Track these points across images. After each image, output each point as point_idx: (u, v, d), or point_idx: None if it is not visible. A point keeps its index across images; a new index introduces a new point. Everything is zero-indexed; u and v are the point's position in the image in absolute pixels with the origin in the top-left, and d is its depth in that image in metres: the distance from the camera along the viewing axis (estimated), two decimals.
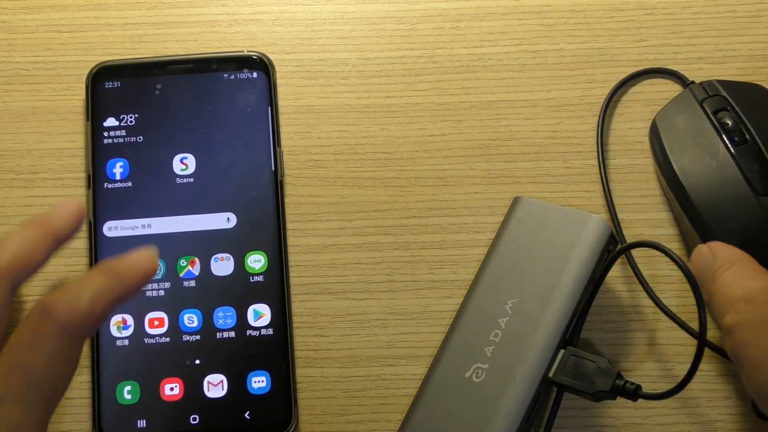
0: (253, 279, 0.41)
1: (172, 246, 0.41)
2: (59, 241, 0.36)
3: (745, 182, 0.39)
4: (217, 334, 0.40)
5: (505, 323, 0.38)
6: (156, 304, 0.40)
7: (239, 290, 0.41)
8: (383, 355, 0.40)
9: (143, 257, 0.35)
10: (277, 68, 0.44)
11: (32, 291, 0.41)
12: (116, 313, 0.40)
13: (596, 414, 0.40)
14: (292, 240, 0.42)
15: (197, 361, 0.39)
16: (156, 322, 0.40)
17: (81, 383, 0.39)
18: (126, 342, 0.40)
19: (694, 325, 0.39)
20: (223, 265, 0.41)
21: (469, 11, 0.45)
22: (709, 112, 0.41)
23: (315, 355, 0.40)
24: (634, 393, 0.35)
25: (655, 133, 0.42)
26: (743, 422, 0.40)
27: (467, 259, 0.41)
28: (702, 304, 0.35)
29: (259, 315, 0.40)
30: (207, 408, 0.39)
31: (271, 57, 0.44)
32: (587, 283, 0.38)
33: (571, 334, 0.38)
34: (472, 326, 0.38)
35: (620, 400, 0.38)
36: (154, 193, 0.42)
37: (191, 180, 0.42)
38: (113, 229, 0.41)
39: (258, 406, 0.39)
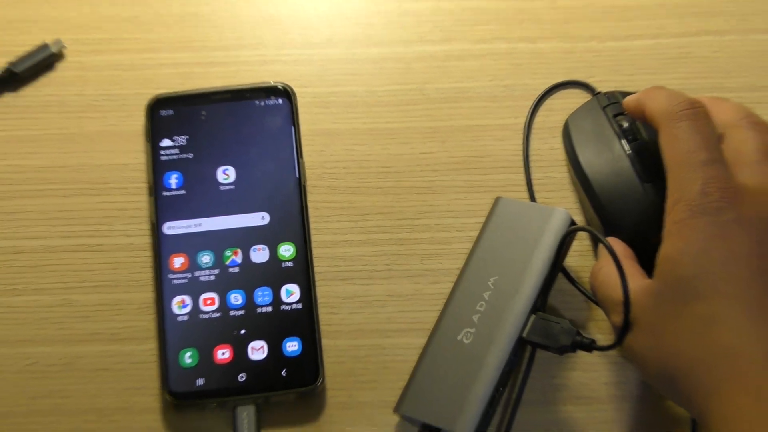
0: (284, 265, 0.43)
1: (219, 240, 0.43)
2: None
3: (633, 172, 0.42)
4: (258, 309, 0.42)
5: (488, 296, 0.40)
6: (208, 286, 0.43)
7: (274, 274, 0.43)
8: (383, 329, 0.43)
9: None
10: (297, 99, 0.46)
11: (102, 277, 0.44)
12: (176, 296, 0.43)
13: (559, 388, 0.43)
14: (311, 235, 0.44)
15: (242, 331, 0.42)
16: (209, 301, 0.42)
17: (151, 351, 0.42)
18: (186, 317, 0.42)
19: None
20: (260, 254, 0.43)
21: (453, 54, 0.48)
22: (610, 116, 0.44)
23: (328, 329, 0.43)
24: (589, 346, 0.38)
25: (566, 132, 0.45)
26: None
27: (451, 252, 0.44)
28: (623, 275, 0.36)
29: (291, 293, 0.43)
30: (251, 368, 0.41)
31: (295, 90, 0.46)
32: (553, 261, 0.41)
33: (540, 303, 0.41)
34: (462, 299, 0.41)
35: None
36: (203, 198, 0.44)
37: (232, 187, 0.44)
38: (171, 228, 0.44)
39: (292, 365, 0.41)
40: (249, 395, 0.41)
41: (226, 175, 0.45)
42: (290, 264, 0.43)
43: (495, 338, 0.40)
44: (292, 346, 0.42)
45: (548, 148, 0.47)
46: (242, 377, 0.42)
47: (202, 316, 0.43)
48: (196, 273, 0.43)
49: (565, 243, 0.41)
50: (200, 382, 0.41)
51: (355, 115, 0.47)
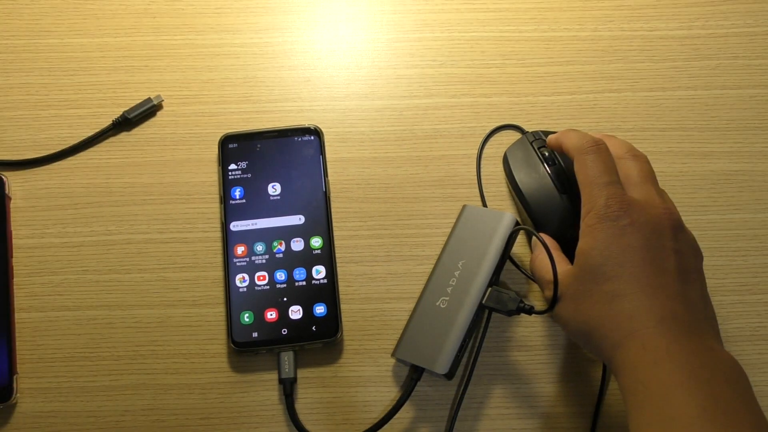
0: (314, 252, 0.43)
1: (269, 234, 0.43)
2: None
3: (554, 186, 0.42)
4: (296, 283, 0.42)
5: (458, 274, 0.40)
6: (261, 267, 0.42)
7: (307, 258, 0.43)
8: (383, 297, 0.43)
9: None
10: (324, 135, 0.46)
11: (187, 261, 0.43)
12: (238, 274, 0.42)
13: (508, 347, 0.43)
14: (333, 231, 0.44)
15: (285, 299, 0.42)
16: (261, 277, 0.42)
17: (220, 313, 0.42)
18: (245, 289, 0.42)
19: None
20: (298, 244, 0.43)
21: (431, 105, 0.47)
22: (535, 148, 0.44)
23: (345, 297, 0.43)
24: (529, 311, 0.38)
25: (505, 160, 0.45)
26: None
27: (431, 243, 0.44)
28: (554, 264, 0.36)
29: (319, 272, 0.42)
30: (291, 325, 0.41)
31: (323, 130, 0.46)
32: (503, 251, 0.41)
33: (495, 280, 0.41)
34: (439, 276, 0.41)
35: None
36: (258, 205, 0.44)
37: (279, 197, 0.44)
38: (236, 225, 0.43)
39: (320, 323, 0.41)
40: (289, 344, 0.41)
41: (274, 189, 0.44)
42: (319, 251, 0.43)
43: (463, 304, 0.40)
44: (320, 309, 0.42)
45: (498, 171, 0.46)
46: (284, 331, 0.41)
47: (256, 288, 0.42)
48: (253, 258, 0.43)
49: (512, 238, 0.41)
50: (255, 334, 0.41)
51: (363, 148, 0.47)
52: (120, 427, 0.40)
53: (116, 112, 0.47)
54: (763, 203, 0.45)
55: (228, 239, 0.43)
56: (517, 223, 0.41)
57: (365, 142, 0.47)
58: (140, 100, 0.47)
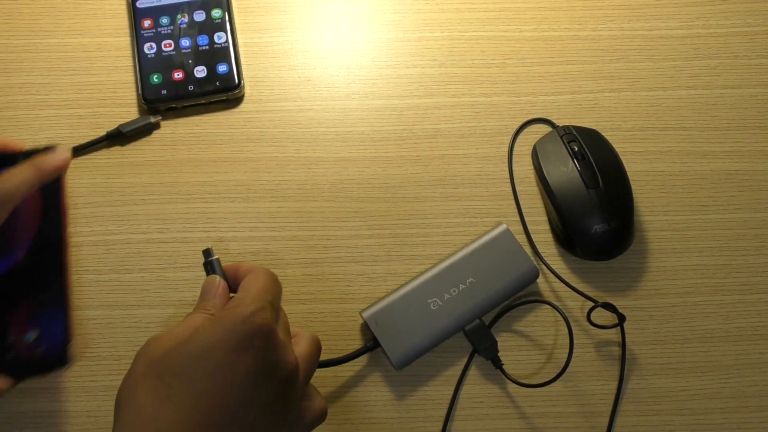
0: (215, 21, 0.46)
1: (173, 9, 0.46)
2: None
3: (582, 181, 0.43)
4: (200, 48, 0.46)
5: (461, 288, 0.41)
6: (167, 37, 0.45)
7: (208, 27, 0.46)
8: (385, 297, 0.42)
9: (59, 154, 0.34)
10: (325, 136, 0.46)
11: (187, 260, 0.43)
12: (146, 43, 0.45)
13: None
14: (334, 231, 0.44)
15: (190, 61, 0.46)
16: (167, 45, 0.44)
17: None
18: (153, 55, 0.42)
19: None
20: (200, 16, 0.47)
21: (432, 105, 0.47)
22: (565, 142, 0.44)
23: (345, 297, 0.43)
24: (497, 366, 0.40)
25: (534, 153, 0.45)
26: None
27: (430, 243, 0.44)
28: (572, 338, 0.38)
29: (221, 37, 0.46)
30: (196, 83, 0.45)
31: (323, 129, 0.46)
32: (511, 297, 0.42)
33: (491, 321, 0.42)
34: (445, 277, 0.41)
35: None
36: None
37: None
38: (142, 3, 0.46)
39: (223, 79, 0.45)
40: (196, 98, 0.45)
41: None
42: (219, 21, 0.46)
43: (450, 319, 0.40)
44: (222, 68, 0.45)
45: (498, 170, 0.46)
46: (191, 87, 0.45)
47: (163, 53, 0.45)
48: (159, 29, 0.46)
49: (523, 295, 0.42)
50: (164, 92, 0.45)
51: (364, 147, 0.47)
52: None
53: (116, 112, 0.47)
54: (763, 203, 0.45)
55: (135, 15, 0.46)
56: (536, 276, 0.42)
57: (365, 141, 0.46)
58: (138, 117, 0.47)
